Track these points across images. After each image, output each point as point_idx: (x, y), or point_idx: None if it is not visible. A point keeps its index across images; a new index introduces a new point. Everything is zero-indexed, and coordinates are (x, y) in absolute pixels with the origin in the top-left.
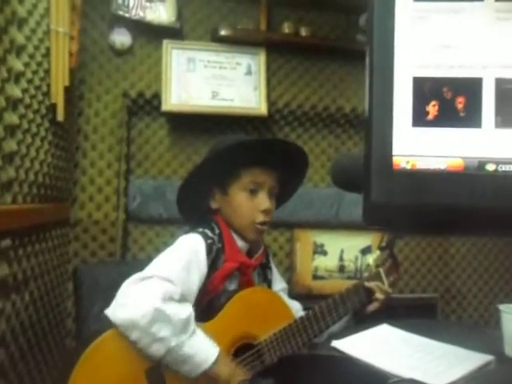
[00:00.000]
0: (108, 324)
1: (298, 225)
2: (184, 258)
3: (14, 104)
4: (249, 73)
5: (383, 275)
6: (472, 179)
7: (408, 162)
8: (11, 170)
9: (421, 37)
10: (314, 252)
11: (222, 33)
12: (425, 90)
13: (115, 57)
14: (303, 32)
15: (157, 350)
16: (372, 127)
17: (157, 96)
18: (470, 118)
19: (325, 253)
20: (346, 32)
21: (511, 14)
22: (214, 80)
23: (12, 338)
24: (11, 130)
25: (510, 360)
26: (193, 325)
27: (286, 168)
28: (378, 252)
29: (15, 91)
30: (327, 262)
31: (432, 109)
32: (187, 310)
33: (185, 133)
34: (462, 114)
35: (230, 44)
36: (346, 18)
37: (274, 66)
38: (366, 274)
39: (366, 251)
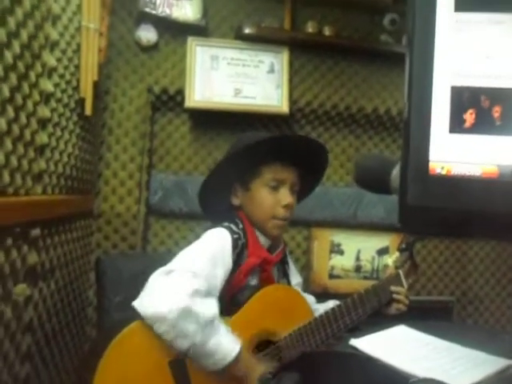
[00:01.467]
0: (130, 314)
1: (315, 223)
2: (210, 252)
3: (46, 98)
4: (271, 71)
5: (402, 277)
6: (506, 186)
7: (443, 168)
8: (42, 161)
9: (460, 46)
10: (331, 251)
11: (246, 31)
12: (463, 98)
13: (141, 52)
14: (327, 31)
15: (181, 344)
16: (410, 133)
17: (180, 92)
18: (506, 126)
19: (342, 252)
20: (370, 32)
21: None
22: (236, 78)
23: (39, 324)
24: (43, 123)
25: None
26: (217, 321)
27: (307, 164)
28: (397, 253)
29: (48, 86)
30: (344, 262)
31: (469, 117)
32: (213, 308)
33: (207, 129)
34: (498, 123)
35: (253, 42)
36: (371, 18)
37: (296, 65)
38: (383, 275)
39: (382, 252)
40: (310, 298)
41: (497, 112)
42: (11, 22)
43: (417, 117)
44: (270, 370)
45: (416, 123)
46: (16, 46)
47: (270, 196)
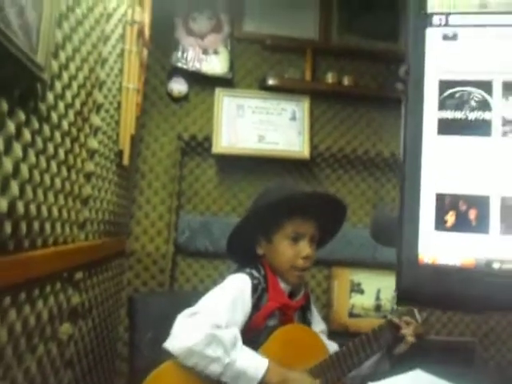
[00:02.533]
0: (161, 353)
1: (336, 263)
2: (231, 295)
3: (91, 154)
4: (293, 118)
5: (416, 312)
6: (481, 274)
7: (430, 259)
8: (86, 211)
9: (443, 163)
10: (351, 290)
11: (270, 82)
12: (445, 203)
13: (172, 103)
14: (346, 81)
15: (214, 369)
16: (403, 230)
17: (208, 139)
18: (480, 225)
19: (362, 291)
20: (386, 80)
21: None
22: (260, 125)
23: (77, 360)
24: (88, 176)
25: None
26: (240, 342)
27: (326, 216)
28: None
29: (94, 143)
30: (364, 301)
31: (450, 218)
32: (234, 331)
33: (232, 173)
34: (473, 223)
35: (276, 92)
36: (386, 68)
37: (317, 112)
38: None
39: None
40: (334, 346)
41: (472, 214)
42: (68, 95)
43: (408, 217)
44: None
45: (407, 222)
46: (71, 115)
47: (291, 248)
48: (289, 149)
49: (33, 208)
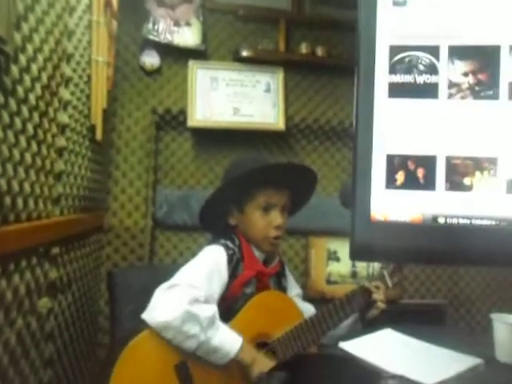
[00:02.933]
0: (140, 323)
1: (312, 232)
2: (207, 268)
3: (62, 129)
4: (268, 90)
5: (387, 276)
6: (428, 229)
7: (382, 215)
8: (60, 186)
9: (393, 125)
10: (328, 258)
11: (243, 53)
12: (395, 163)
13: (145, 76)
14: (319, 52)
15: (189, 345)
16: (356, 190)
17: (182, 112)
18: (427, 183)
19: (338, 259)
20: None
21: (458, 109)
22: (235, 97)
23: (58, 333)
24: (60, 151)
25: (499, 364)
26: (217, 321)
27: (298, 186)
28: None
29: (64, 118)
30: (340, 268)
31: (400, 177)
32: (212, 309)
33: (208, 146)
34: (421, 181)
35: (250, 64)
36: None
37: (291, 84)
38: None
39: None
40: (310, 308)
41: (420, 173)
42: (34, 68)
43: (360, 177)
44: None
45: (360, 182)
46: (38, 88)
47: (262, 218)
48: (264, 121)
49: (3, 183)
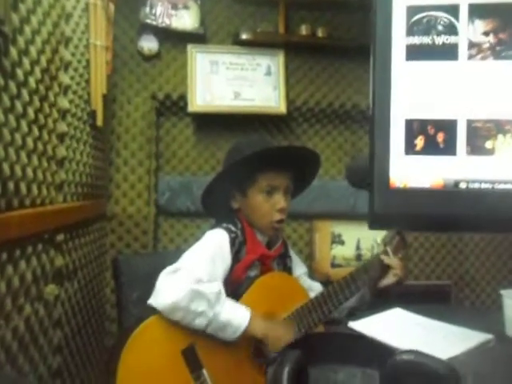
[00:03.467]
0: (147, 309)
1: (316, 216)
2: (210, 251)
3: (63, 114)
4: (268, 73)
5: (390, 253)
6: (449, 194)
7: (401, 182)
8: (62, 173)
9: (411, 88)
10: (332, 242)
11: (243, 36)
12: (414, 128)
13: (144, 61)
14: (320, 33)
15: (199, 323)
16: (374, 157)
17: (183, 97)
18: (448, 148)
19: (342, 242)
20: (361, 31)
21: (479, 71)
22: (235, 81)
23: (66, 320)
24: (61, 137)
25: (509, 339)
26: (223, 296)
27: (300, 167)
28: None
29: (64, 103)
30: (345, 251)
31: (419, 142)
32: (217, 285)
33: (209, 131)
34: (441, 146)
35: (250, 46)
36: (361, 19)
37: (292, 66)
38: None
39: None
40: (317, 286)
41: (440, 137)
42: (33, 51)
43: (379, 144)
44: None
45: (378, 149)
46: (37, 72)
47: (265, 202)
48: (265, 104)
49: (6, 168)
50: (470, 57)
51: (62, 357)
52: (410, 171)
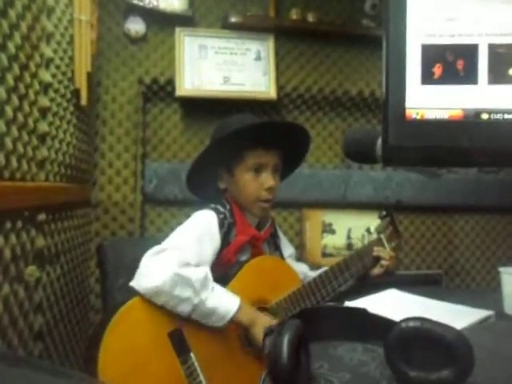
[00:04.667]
0: (133, 295)
1: (307, 205)
2: (197, 231)
3: (45, 88)
4: (258, 58)
5: (384, 241)
6: (470, 126)
7: (418, 113)
8: (44, 149)
9: (428, 11)
10: (323, 231)
11: (232, 20)
12: (431, 54)
13: (130, 44)
14: (310, 18)
15: (183, 309)
16: (389, 86)
17: (170, 82)
18: (468, 76)
19: (333, 231)
20: (352, 17)
21: None
22: (224, 66)
23: (48, 305)
24: (43, 112)
25: (508, 316)
26: (211, 282)
27: (289, 145)
28: (378, 220)
29: (46, 76)
30: (335, 240)
31: (437, 70)
32: (203, 270)
33: (197, 117)
34: (461, 74)
35: (239, 30)
36: (352, 4)
37: (282, 52)
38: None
39: (372, 230)
40: (303, 267)
41: (460, 65)
42: (12, 14)
43: (394, 71)
44: (271, 322)
45: (393, 77)
46: (17, 38)
47: (253, 180)
48: (255, 90)
49: None
50: None
51: (43, 344)
52: (427, 101)
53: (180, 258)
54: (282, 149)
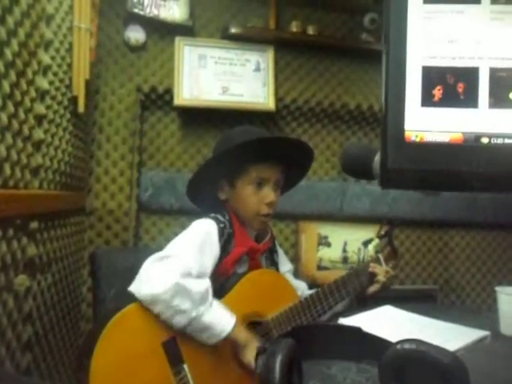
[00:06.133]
0: (125, 304)
1: (303, 217)
2: (198, 239)
3: (42, 95)
4: (258, 69)
5: (382, 260)
6: (470, 150)
7: (417, 136)
8: (39, 156)
9: (429, 33)
10: (319, 243)
11: (232, 31)
12: (432, 76)
13: (130, 52)
14: (310, 31)
15: (178, 321)
16: (388, 107)
17: (169, 91)
18: (469, 99)
19: (329, 244)
20: (351, 31)
21: (503, 15)
22: (224, 76)
23: (37, 315)
24: (39, 119)
25: (504, 337)
26: (210, 297)
27: (292, 161)
28: (377, 240)
29: (43, 83)
30: (331, 253)
31: (437, 92)
32: (205, 284)
33: (195, 127)
34: (461, 97)
35: (239, 41)
36: (351, 18)
37: (281, 63)
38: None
39: (368, 243)
40: (302, 285)
41: (460, 87)
42: (10, 21)
43: (393, 92)
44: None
45: (393, 98)
46: (14, 44)
47: (254, 194)
48: (253, 101)
49: None
50: (494, 0)
51: (32, 355)
52: (426, 124)
53: (183, 268)
54: (285, 164)
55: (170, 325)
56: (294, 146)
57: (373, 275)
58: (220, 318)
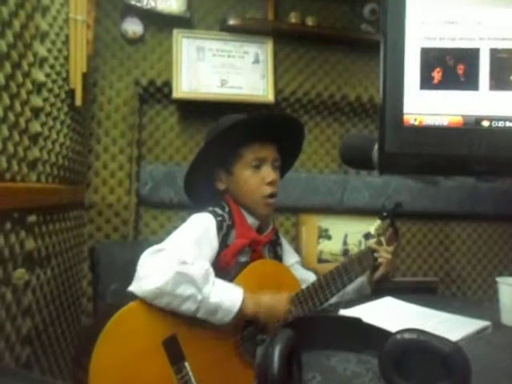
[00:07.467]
0: (125, 299)
1: (303, 210)
2: (195, 234)
3: (38, 88)
4: (256, 61)
5: (384, 243)
6: (470, 133)
7: (416, 119)
8: (36, 150)
9: (428, 14)
10: (319, 236)
11: (231, 22)
12: (430, 58)
13: (127, 45)
14: (309, 22)
15: (188, 308)
16: (386, 90)
17: (167, 84)
18: (469, 82)
19: (329, 237)
20: (351, 22)
21: None
22: (222, 68)
23: (37, 309)
24: (36, 112)
25: (505, 327)
26: (212, 276)
27: (285, 138)
28: (378, 221)
29: (39, 75)
30: (332, 246)
31: (437, 74)
32: (204, 265)
33: (194, 120)
34: (461, 79)
35: (238, 33)
36: (351, 8)
37: (280, 55)
38: (366, 243)
39: (368, 236)
40: (311, 275)
41: (460, 69)
42: (4, 12)
43: (392, 75)
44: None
45: (391, 81)
46: (9, 36)
47: (254, 177)
48: (252, 93)
49: None
50: None
51: (31, 349)
52: (425, 107)
53: (178, 257)
54: (279, 142)
55: (174, 316)
56: (280, 121)
57: (375, 260)
58: (227, 294)
